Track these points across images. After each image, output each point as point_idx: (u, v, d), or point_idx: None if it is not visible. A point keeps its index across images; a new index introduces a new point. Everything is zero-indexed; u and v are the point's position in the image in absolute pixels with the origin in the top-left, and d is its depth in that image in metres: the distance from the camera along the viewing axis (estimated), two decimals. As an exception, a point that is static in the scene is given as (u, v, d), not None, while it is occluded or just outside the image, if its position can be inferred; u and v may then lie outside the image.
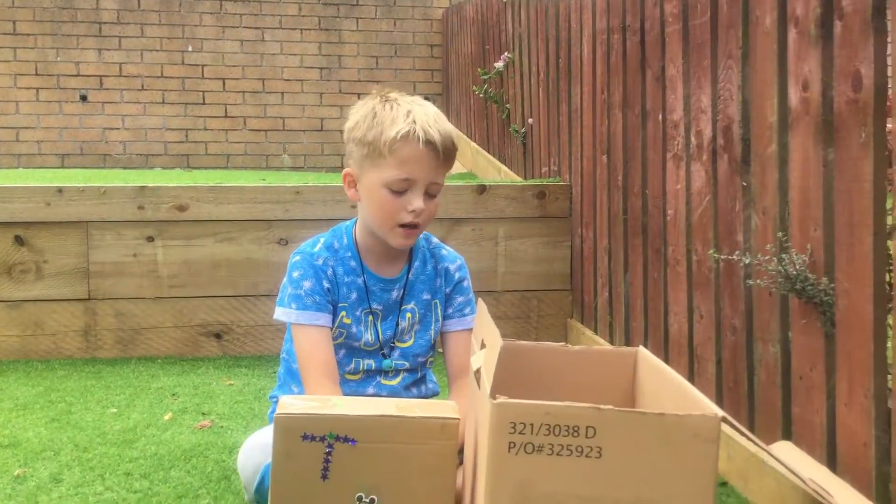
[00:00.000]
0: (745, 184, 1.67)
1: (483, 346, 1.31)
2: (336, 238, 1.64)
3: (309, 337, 1.56)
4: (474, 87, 4.45)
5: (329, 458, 1.23)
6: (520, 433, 1.06)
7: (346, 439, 1.23)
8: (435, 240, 1.72)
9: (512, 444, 1.06)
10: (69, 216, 2.70)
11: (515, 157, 3.73)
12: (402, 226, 1.54)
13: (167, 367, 2.63)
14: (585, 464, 1.06)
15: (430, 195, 1.55)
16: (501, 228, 2.91)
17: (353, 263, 1.61)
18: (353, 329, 1.60)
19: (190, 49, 6.18)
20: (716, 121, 1.78)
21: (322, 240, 1.64)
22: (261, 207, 2.78)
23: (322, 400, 1.31)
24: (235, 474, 1.69)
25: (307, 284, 1.57)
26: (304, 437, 1.22)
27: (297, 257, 1.61)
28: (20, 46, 6.00)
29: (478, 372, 1.26)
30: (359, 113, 1.58)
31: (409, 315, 1.64)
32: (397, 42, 6.43)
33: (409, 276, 1.64)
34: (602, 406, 1.05)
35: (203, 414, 2.13)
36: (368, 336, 1.61)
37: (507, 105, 3.86)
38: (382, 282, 1.62)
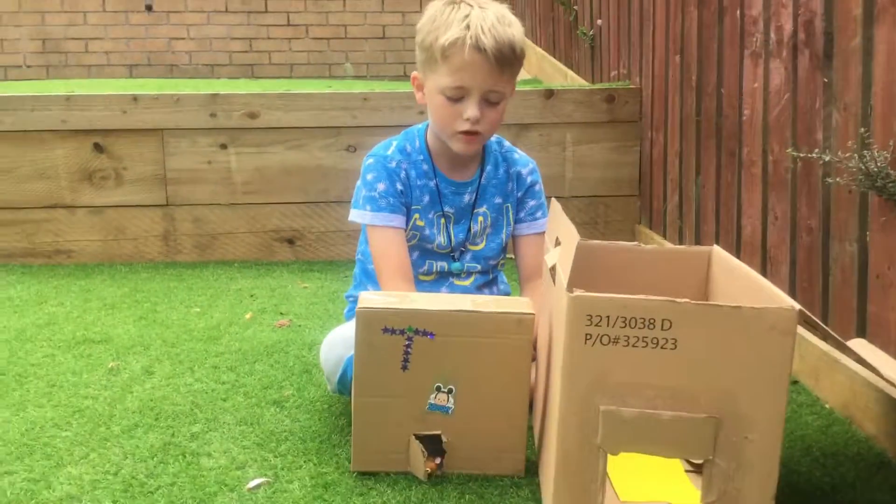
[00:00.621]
0: (826, 80, 1.63)
1: (558, 243, 1.33)
2: (408, 141, 1.65)
3: (384, 238, 1.60)
4: (540, -11, 4.35)
5: (409, 350, 1.28)
6: (596, 325, 1.08)
7: (424, 333, 1.27)
8: (507, 144, 1.72)
9: (588, 336, 1.09)
10: (145, 123, 2.77)
11: (583, 61, 3.66)
12: (461, 132, 1.54)
13: (244, 270, 2.72)
14: (661, 355, 1.08)
15: (490, 102, 1.53)
16: (569, 133, 2.88)
17: (425, 167, 1.63)
18: (427, 231, 1.63)
19: (251, -44, 6.14)
20: (797, 15, 1.72)
21: (395, 143, 1.66)
22: (329, 114, 2.81)
23: (400, 296, 1.36)
24: (316, 368, 1.77)
25: (381, 186, 1.60)
26: (385, 331, 1.27)
27: (371, 160, 1.64)
28: (85, -43, 6.04)
29: (553, 268, 1.28)
30: (426, 15, 1.57)
31: (480, 219, 1.66)
32: (460, -56, 6.27)
33: (482, 180, 1.65)
34: (678, 299, 1.07)
35: (281, 314, 2.22)
36: (441, 239, 1.63)
37: (575, 6, 3.76)
38: (454, 185, 1.64)
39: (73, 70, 6.12)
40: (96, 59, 6.15)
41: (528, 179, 1.69)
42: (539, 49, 4.64)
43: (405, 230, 1.62)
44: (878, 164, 1.42)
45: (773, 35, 1.83)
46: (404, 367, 1.28)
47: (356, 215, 1.63)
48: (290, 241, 2.87)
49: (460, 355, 1.28)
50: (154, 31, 6.16)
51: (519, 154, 1.71)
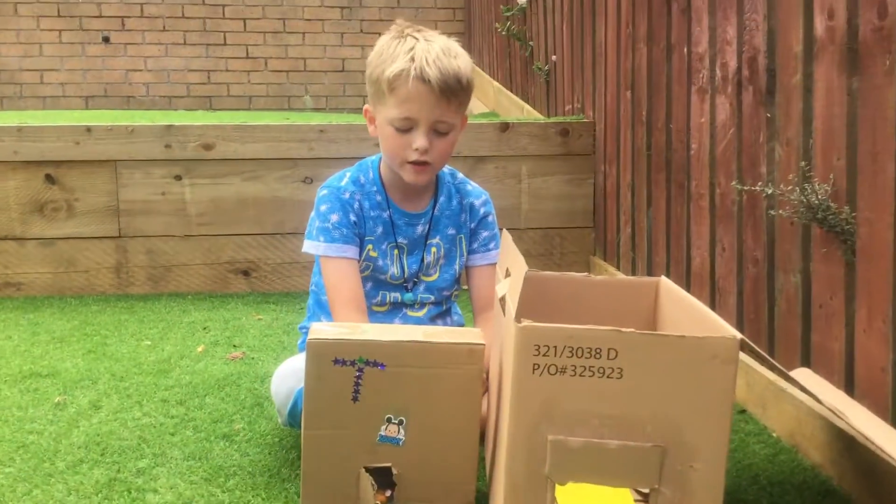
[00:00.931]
0: (769, 115, 1.67)
1: (508, 274, 1.34)
2: (362, 172, 1.66)
3: (337, 269, 1.60)
4: (497, 25, 4.41)
5: (359, 381, 1.27)
6: (543, 355, 1.09)
7: (375, 363, 1.27)
8: (461, 175, 1.74)
9: (536, 366, 1.10)
10: (98, 155, 2.74)
11: (539, 95, 3.72)
12: (411, 163, 1.55)
13: (197, 302, 2.69)
14: (607, 384, 1.09)
15: (439, 132, 1.54)
16: (525, 166, 2.92)
17: (378, 198, 1.64)
18: (380, 262, 1.63)
19: (210, -11, 6.15)
20: (741, 52, 1.77)
21: (348, 174, 1.66)
22: (285, 146, 2.81)
23: (351, 326, 1.36)
24: (268, 401, 1.75)
25: (335, 217, 1.60)
26: (336, 362, 1.27)
27: (325, 191, 1.64)
28: (42, -12, 6.00)
29: (503, 299, 1.29)
30: (374, 49, 1.59)
31: (434, 249, 1.66)
32: (419, -20, 6.35)
33: (435, 211, 1.67)
34: (623, 329, 1.09)
35: (234, 346, 2.20)
36: (394, 270, 1.64)
37: (531, 42, 3.83)
38: (408, 216, 1.65)
39: (28, 101, 6.04)
40: (52, 90, 6.09)
41: (481, 210, 1.70)
42: (496, 83, 4.70)
43: (358, 261, 1.62)
44: (819, 196, 1.46)
45: (718, 72, 1.88)
46: (355, 399, 1.28)
47: (309, 246, 1.63)
48: (246, 273, 2.85)
49: (411, 386, 1.28)
50: (111, 63, 6.12)
51: (472, 186, 1.73)
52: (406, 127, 1.53)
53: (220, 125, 2.81)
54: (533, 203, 2.94)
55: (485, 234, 1.70)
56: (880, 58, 1.32)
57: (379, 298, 1.65)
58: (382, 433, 1.29)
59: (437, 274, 1.67)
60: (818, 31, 1.50)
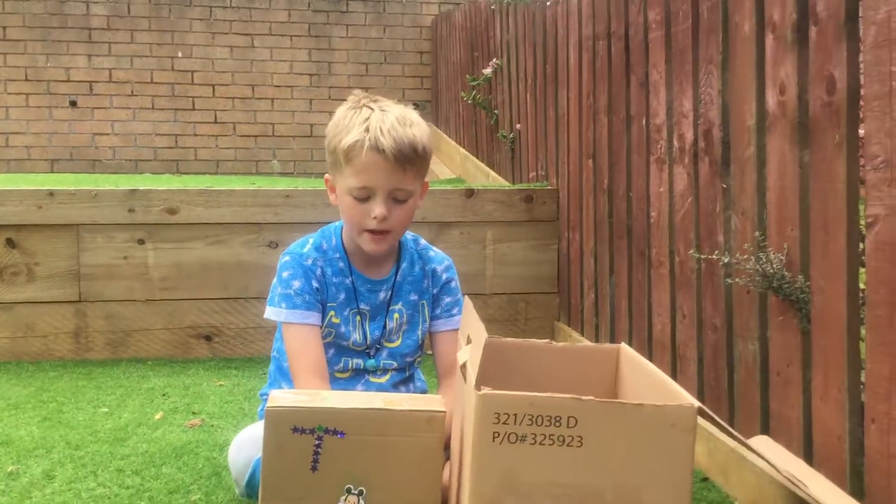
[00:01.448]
0: (724, 185, 1.71)
1: (469, 341, 1.34)
2: (325, 239, 1.67)
3: (298, 335, 1.59)
4: (463, 94, 4.50)
5: (318, 450, 1.26)
6: (504, 423, 1.09)
7: (334, 432, 1.26)
8: (423, 241, 1.75)
9: (496, 434, 1.09)
10: (60, 219, 2.72)
11: (504, 162, 3.77)
12: (370, 231, 1.56)
13: (157, 368, 2.65)
14: (567, 453, 1.09)
15: (397, 200, 1.56)
16: (489, 232, 2.95)
17: (341, 264, 1.64)
18: (342, 329, 1.63)
19: (179, 55, 6.21)
20: (697, 124, 1.82)
21: (311, 240, 1.67)
22: (251, 211, 2.81)
23: (311, 394, 1.35)
24: (226, 470, 1.72)
25: (297, 284, 1.60)
26: (295, 430, 1.25)
27: (287, 257, 1.64)
28: (10, 52, 6.02)
29: (464, 366, 1.29)
30: (332, 120, 1.61)
31: (396, 316, 1.67)
32: (387, 49, 6.47)
33: (397, 277, 1.67)
34: (583, 397, 1.09)
35: (193, 413, 2.16)
36: (357, 336, 1.64)
37: (496, 111, 3.90)
38: (370, 283, 1.65)
39: (-8, 163, 6.01)
40: (17, 153, 6.06)
41: (444, 276, 1.71)
42: (462, 150, 4.77)
43: (321, 327, 1.61)
44: (774, 266, 1.49)
45: (676, 143, 1.93)
46: (314, 468, 1.26)
47: (271, 312, 1.62)
48: (208, 338, 2.82)
49: (371, 455, 1.27)
50: (78, 127, 6.12)
51: (435, 251, 1.74)
52: (364, 196, 1.54)
53: (185, 189, 2.81)
54: (498, 269, 2.96)
55: (447, 299, 1.71)
56: (830, 132, 1.37)
57: (341, 365, 1.64)
58: (342, 504, 1.27)
59: (400, 340, 1.67)
60: (770, 106, 1.55)
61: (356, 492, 1.27)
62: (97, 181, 3.57)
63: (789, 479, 1.24)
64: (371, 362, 1.64)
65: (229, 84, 6.28)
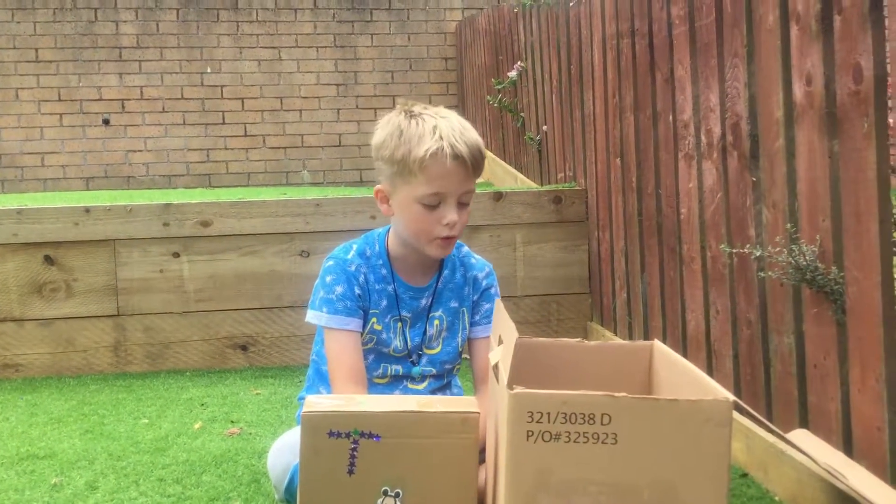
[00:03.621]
0: (754, 179, 1.70)
1: (501, 342, 1.35)
2: (368, 245, 1.67)
3: (339, 341, 1.60)
4: (489, 98, 4.50)
5: (355, 453, 1.27)
6: (537, 422, 1.10)
7: (370, 435, 1.27)
8: (465, 248, 1.75)
9: (530, 433, 1.10)
10: (97, 235, 2.77)
11: (531, 164, 3.77)
12: (442, 238, 1.57)
13: (195, 379, 2.69)
14: (602, 450, 1.09)
15: (462, 204, 1.58)
16: (519, 234, 2.95)
17: (384, 271, 1.64)
18: (384, 335, 1.64)
19: (209, 70, 6.29)
20: (724, 119, 1.81)
21: (355, 246, 1.67)
22: (282, 220, 2.84)
23: (347, 398, 1.36)
24: (265, 477, 1.74)
25: (339, 289, 1.61)
26: (331, 434, 1.27)
27: (331, 262, 1.64)
28: (43, 73, 6.13)
29: (496, 366, 1.30)
30: (384, 130, 1.59)
31: (437, 322, 1.67)
32: (412, 56, 6.50)
33: (438, 284, 1.67)
34: (616, 394, 1.09)
35: (232, 422, 2.18)
36: (397, 342, 1.64)
37: (522, 113, 3.90)
38: (412, 290, 1.66)
39: (29, 184, 6.12)
40: (52, 172, 6.18)
41: (484, 283, 1.71)
42: (490, 153, 4.77)
43: (361, 334, 1.62)
44: (807, 258, 1.48)
45: (703, 138, 1.92)
46: (350, 472, 1.27)
47: (312, 316, 1.63)
48: (244, 348, 2.85)
49: (407, 457, 1.28)
50: (111, 145, 6.22)
51: (476, 258, 1.74)
52: (435, 202, 1.55)
53: (218, 202, 2.84)
54: (528, 271, 2.96)
55: (487, 305, 1.70)
56: (858, 121, 1.35)
57: (380, 371, 1.65)
58: (379, 506, 1.28)
59: (440, 347, 1.67)
60: (797, 97, 1.54)
61: (393, 494, 1.28)
62: (132, 197, 3.63)
63: (829, 472, 1.23)
64: (416, 370, 1.65)
65: (258, 97, 6.35)
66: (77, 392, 2.55)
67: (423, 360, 1.66)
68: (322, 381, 1.67)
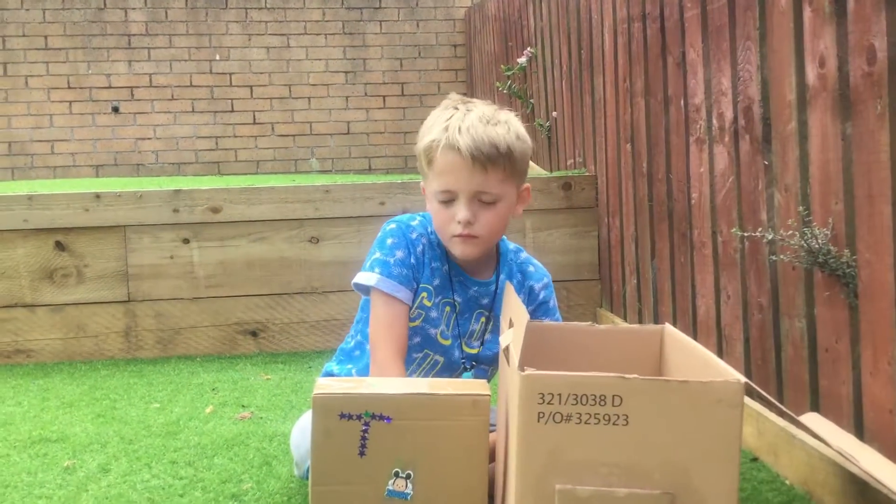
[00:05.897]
0: (766, 162, 1.69)
1: (511, 325, 1.35)
2: (429, 223, 1.58)
3: (390, 306, 1.49)
4: (498, 84, 4.49)
5: (366, 435, 1.27)
6: (548, 403, 1.10)
7: (381, 417, 1.27)
8: (524, 254, 1.67)
9: (541, 415, 1.10)
10: (107, 221, 2.78)
11: (541, 150, 3.76)
12: (457, 235, 1.49)
13: (206, 364, 2.70)
14: (613, 431, 1.09)
15: (484, 203, 1.48)
16: (529, 220, 2.94)
17: (439, 250, 1.57)
18: (433, 314, 1.55)
19: (217, 58, 6.30)
20: (736, 102, 1.80)
21: (419, 218, 1.59)
22: (291, 207, 2.84)
23: (357, 381, 1.37)
24: (276, 460, 1.75)
25: (399, 254, 1.52)
26: (342, 416, 1.27)
27: (393, 225, 1.56)
28: (52, 61, 6.15)
29: (506, 349, 1.30)
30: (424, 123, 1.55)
31: (483, 319, 1.59)
32: (421, 43, 6.49)
33: (497, 285, 1.59)
34: (627, 375, 1.09)
35: (243, 406, 2.20)
36: (444, 326, 1.56)
37: (531, 100, 3.89)
38: (468, 279, 1.58)
39: (40, 171, 6.15)
40: (62, 160, 6.20)
41: (541, 295, 1.64)
42: (499, 141, 4.76)
43: (410, 308, 1.53)
44: (819, 241, 1.47)
45: (715, 122, 1.91)
46: (361, 453, 1.28)
47: (362, 278, 1.51)
48: (254, 334, 2.86)
49: (417, 439, 1.28)
50: (121, 132, 6.23)
51: (534, 266, 1.66)
52: (447, 199, 1.48)
53: (227, 188, 2.85)
54: (538, 257, 2.90)
55: (545, 320, 1.62)
56: (871, 103, 1.34)
57: (421, 355, 1.58)
58: (390, 487, 1.28)
59: (481, 347, 1.60)
60: (810, 79, 1.53)
61: (404, 475, 1.28)
62: (142, 184, 3.64)
63: (841, 454, 1.22)
64: (467, 375, 1.56)
65: (267, 84, 6.35)
66: (88, 377, 2.56)
67: (473, 369, 1.58)
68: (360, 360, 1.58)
